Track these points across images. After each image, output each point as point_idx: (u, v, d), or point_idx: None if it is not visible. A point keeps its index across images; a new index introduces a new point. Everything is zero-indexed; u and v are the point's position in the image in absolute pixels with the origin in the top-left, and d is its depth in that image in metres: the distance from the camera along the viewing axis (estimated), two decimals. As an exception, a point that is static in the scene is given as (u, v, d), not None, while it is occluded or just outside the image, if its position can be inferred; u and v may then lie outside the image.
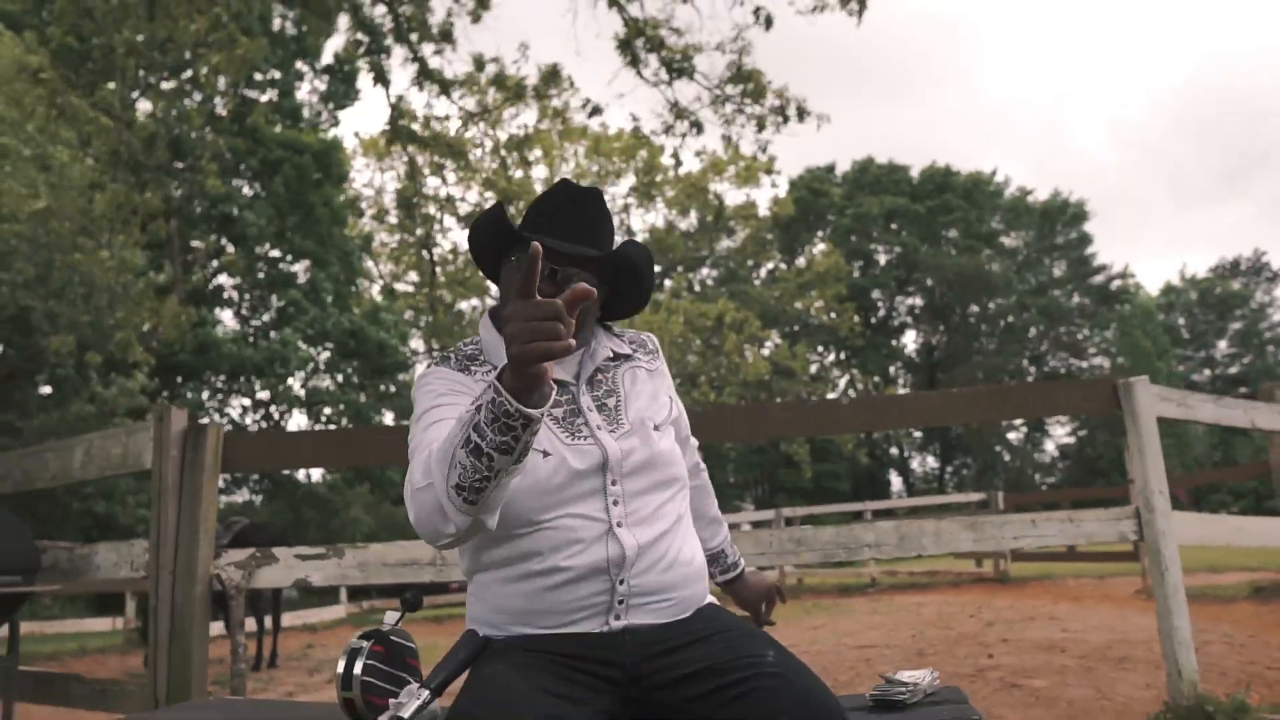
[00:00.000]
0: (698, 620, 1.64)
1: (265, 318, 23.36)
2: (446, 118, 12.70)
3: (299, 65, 23.25)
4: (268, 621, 8.53)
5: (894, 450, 41.29)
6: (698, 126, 9.54)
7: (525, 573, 1.60)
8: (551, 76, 11.12)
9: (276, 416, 23.15)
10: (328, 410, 22.95)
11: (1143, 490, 3.51)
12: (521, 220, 1.73)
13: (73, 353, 12.16)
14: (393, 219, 27.97)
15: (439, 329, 28.10)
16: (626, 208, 28.78)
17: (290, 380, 22.66)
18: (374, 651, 1.66)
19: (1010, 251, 43.97)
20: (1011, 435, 40.68)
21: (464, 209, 22.61)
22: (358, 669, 1.63)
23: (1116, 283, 43.67)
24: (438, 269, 25.65)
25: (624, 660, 1.55)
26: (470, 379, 1.68)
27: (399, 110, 11.00)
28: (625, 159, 27.14)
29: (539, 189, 25.25)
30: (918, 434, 39.58)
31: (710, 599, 1.75)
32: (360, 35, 10.21)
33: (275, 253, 23.09)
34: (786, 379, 29.29)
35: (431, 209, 21.72)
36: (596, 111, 10.57)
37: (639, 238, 29.92)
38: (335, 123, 25.18)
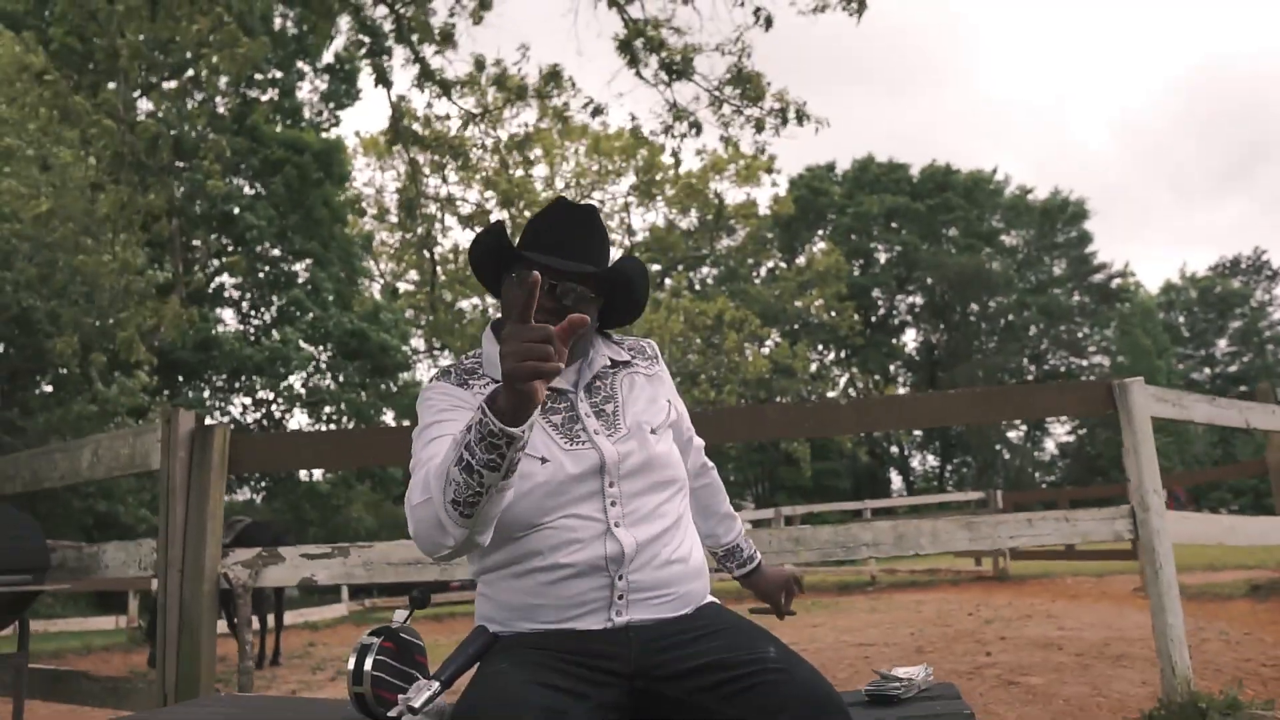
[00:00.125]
0: (700, 618, 1.70)
1: (266, 317, 23.41)
2: (447, 117, 12.69)
3: (300, 65, 23.28)
4: (270, 620, 8.59)
5: (894, 449, 41.36)
6: (697, 127, 9.58)
7: (528, 570, 1.66)
8: (552, 77, 11.16)
9: (278, 415, 23.20)
10: (328, 409, 22.99)
11: (1137, 489, 3.55)
12: (520, 238, 1.79)
13: (76, 353, 12.21)
14: (393, 218, 27.99)
15: (440, 328, 28.12)
16: (626, 206, 28.78)
17: (291, 379, 22.71)
18: (384, 648, 1.72)
19: (1010, 250, 44.02)
20: (1011, 434, 40.75)
21: (465, 209, 22.63)
22: (368, 665, 1.69)
23: (1116, 281, 43.72)
24: (438, 268, 25.66)
25: (627, 655, 1.60)
26: (468, 393, 1.75)
27: (400, 111, 11.04)
28: (625, 158, 27.14)
29: (539, 188, 25.28)
30: (918, 433, 39.61)
31: (711, 598, 1.80)
32: (362, 36, 10.24)
33: (276, 252, 23.13)
34: (787, 378, 29.31)
35: (432, 208, 21.75)
36: (598, 112, 10.62)
37: (639, 236, 29.94)
38: (336, 122, 25.22)
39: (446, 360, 30.72)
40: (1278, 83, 78.74)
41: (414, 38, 10.34)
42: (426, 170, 16.71)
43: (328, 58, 23.08)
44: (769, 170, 25.03)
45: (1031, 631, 6.62)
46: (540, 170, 26.23)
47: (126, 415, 14.78)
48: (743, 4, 8.65)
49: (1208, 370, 47.48)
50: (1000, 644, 6.09)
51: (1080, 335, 43.10)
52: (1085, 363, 42.97)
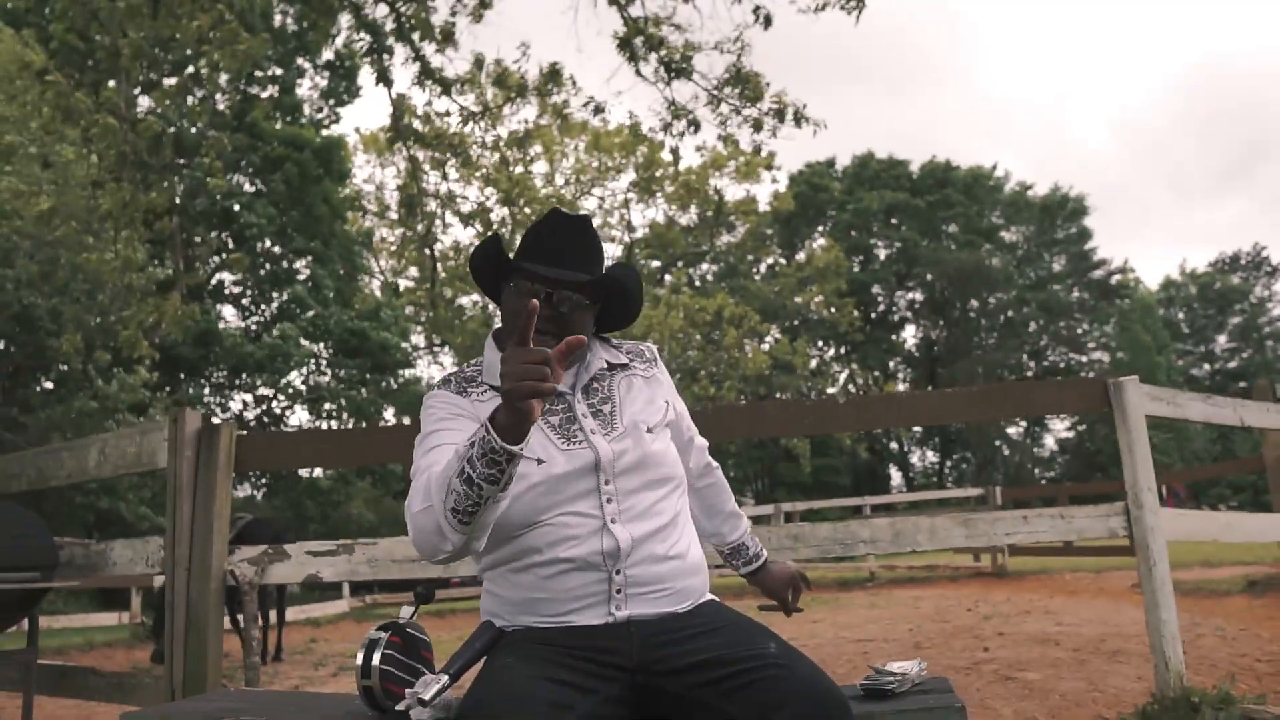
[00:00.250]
0: (700, 615, 1.74)
1: (267, 314, 23.44)
2: (447, 114, 12.71)
3: (300, 61, 23.29)
4: (272, 616, 8.62)
5: (894, 445, 41.39)
6: (695, 125, 9.60)
7: (528, 565, 1.72)
8: (552, 75, 11.17)
9: (278, 412, 23.23)
10: (329, 406, 23.02)
11: (1131, 487, 3.59)
12: (517, 248, 1.85)
13: (80, 351, 12.25)
14: (394, 215, 28.01)
15: (439, 324, 28.15)
16: (626, 203, 28.81)
17: (291, 376, 22.73)
18: (391, 643, 1.77)
19: (1010, 246, 44.04)
20: (1011, 430, 40.80)
21: (465, 207, 22.68)
22: (376, 659, 1.74)
23: (1116, 278, 43.74)
24: (438, 265, 25.68)
25: (629, 650, 1.65)
26: (467, 400, 1.82)
27: (401, 109, 11.06)
28: (625, 155, 27.16)
29: (539, 184, 25.31)
30: (918, 429, 39.65)
31: (711, 596, 1.84)
32: (363, 35, 10.26)
33: (276, 249, 23.15)
34: (786, 374, 29.35)
35: (432, 205, 21.78)
36: (599, 110, 10.65)
37: (639, 233, 29.98)
38: (336, 119, 25.23)
39: (447, 357, 30.76)
40: (1277, 80, 78.74)
41: (414, 36, 10.36)
42: (426, 167, 16.74)
43: (328, 55, 23.09)
44: (769, 167, 25.05)
45: (1029, 627, 6.66)
46: (540, 167, 26.26)
47: (127, 412, 14.82)
48: (741, 2, 8.69)
49: (1207, 366, 47.54)
50: (998, 640, 6.13)
51: (1080, 331, 43.15)
52: (1085, 359, 43.03)
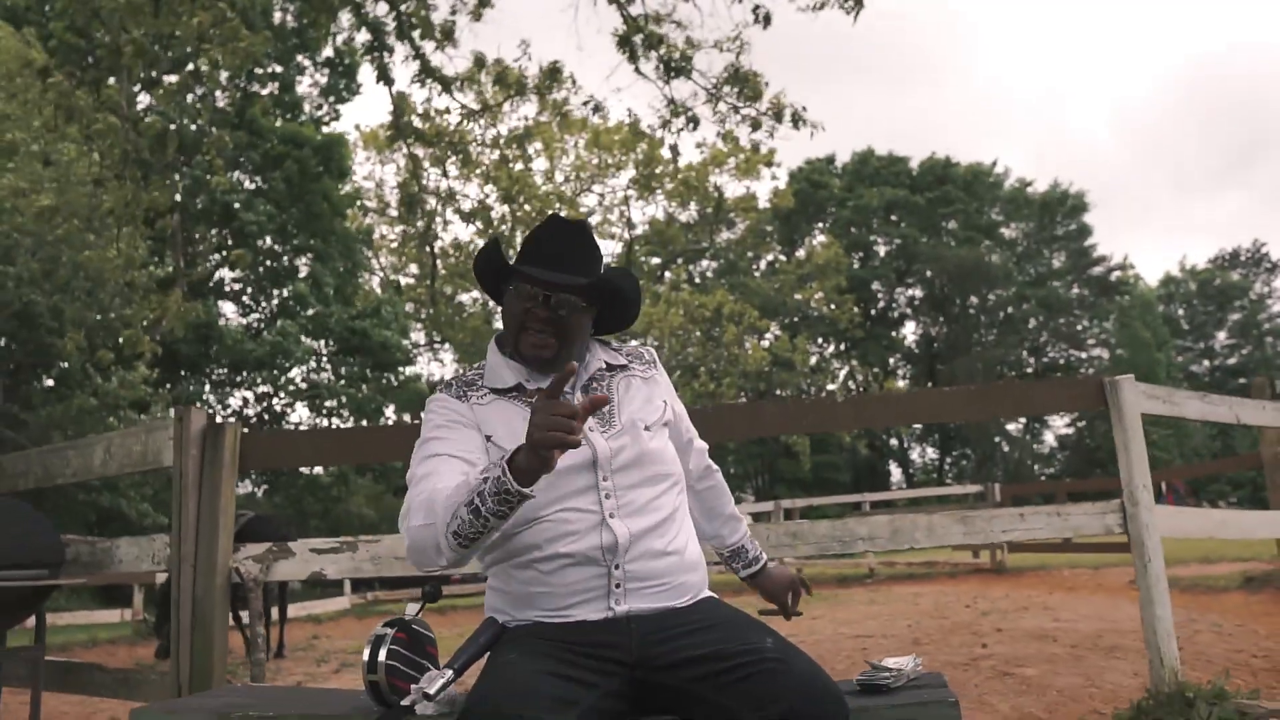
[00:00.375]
0: (698, 611, 1.78)
1: (267, 311, 23.45)
2: (447, 111, 12.72)
3: (299, 59, 23.28)
4: (274, 613, 8.65)
5: (894, 442, 41.43)
6: (694, 122, 9.62)
7: (529, 561, 1.76)
8: (552, 73, 11.20)
9: (279, 409, 23.25)
10: (329, 403, 23.04)
11: (1127, 485, 3.63)
12: (518, 252, 1.90)
13: (83, 350, 12.27)
14: (394, 212, 28.01)
15: (439, 321, 28.16)
16: (626, 200, 28.80)
17: (293, 372, 22.75)
18: (397, 639, 1.81)
19: (1010, 243, 44.04)
20: (1011, 426, 40.82)
21: (466, 204, 22.68)
22: (382, 655, 1.78)
23: (1116, 274, 43.74)
24: (438, 262, 25.69)
25: (628, 645, 1.69)
26: (466, 405, 1.87)
27: (401, 108, 11.09)
28: (625, 152, 27.15)
29: (539, 181, 25.30)
30: (917, 426, 39.66)
31: (709, 592, 1.88)
32: (364, 33, 10.28)
33: (277, 246, 23.16)
34: (786, 370, 29.37)
35: (432, 203, 21.79)
36: (598, 109, 10.68)
37: (639, 230, 29.98)
38: (336, 116, 25.24)
39: (447, 354, 30.79)
40: (1276, 75, 78.70)
41: (415, 34, 10.38)
42: (427, 164, 16.75)
43: (327, 52, 23.08)
44: (769, 164, 25.09)
45: (1027, 623, 6.69)
46: (540, 164, 26.24)
47: (129, 408, 14.85)
48: (741, 1, 8.71)
49: (1207, 363, 47.56)
50: (996, 636, 6.16)
51: (1079, 328, 43.16)
52: (1084, 355, 43.06)
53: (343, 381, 23.21)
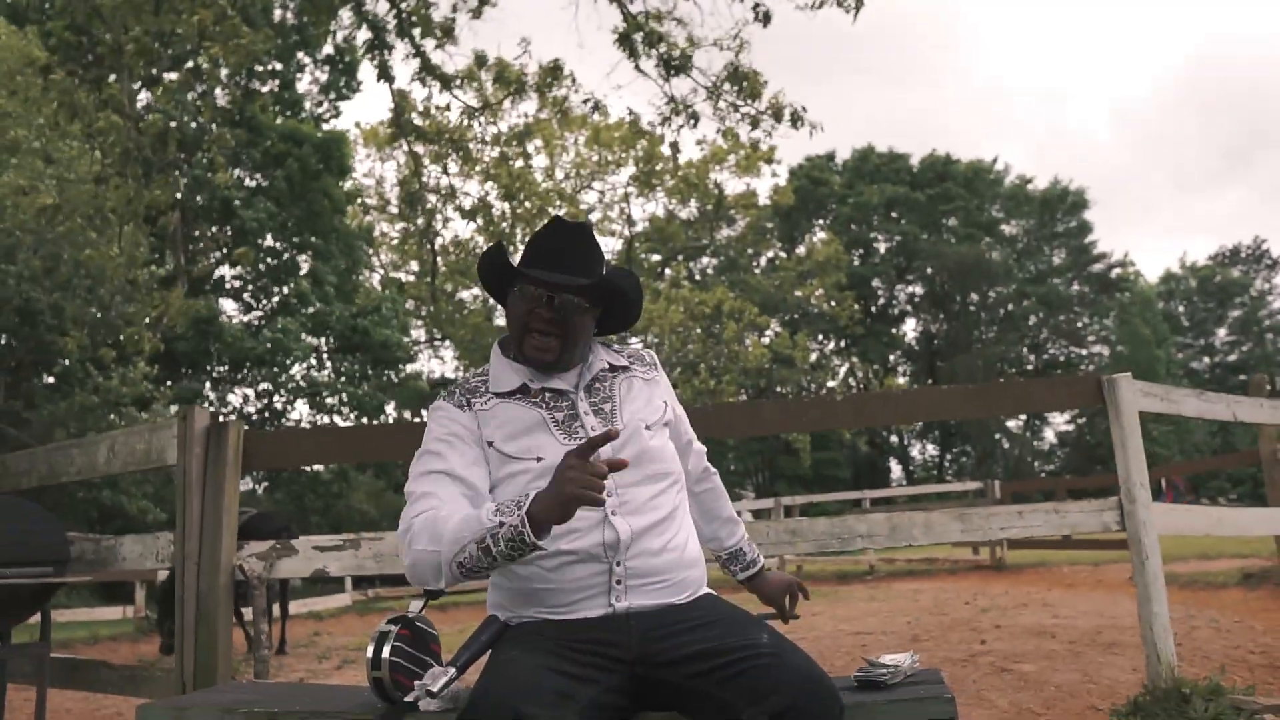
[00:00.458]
0: (697, 608, 1.81)
1: (268, 308, 23.47)
2: (447, 107, 12.73)
3: (300, 56, 23.29)
4: (275, 609, 8.69)
5: (894, 438, 41.45)
6: (694, 119, 9.63)
7: (532, 558, 1.76)
8: (552, 71, 11.20)
9: (279, 407, 23.27)
10: (330, 400, 23.06)
11: (1125, 482, 3.65)
12: (521, 255, 1.94)
13: (86, 348, 12.30)
14: (394, 209, 28.03)
15: (440, 318, 28.18)
16: (626, 197, 28.81)
17: (293, 370, 22.77)
18: (401, 635, 1.84)
19: (1010, 240, 44.03)
20: (1011, 423, 40.83)
21: (466, 202, 22.67)
22: (386, 651, 1.81)
23: (1116, 271, 43.73)
24: (439, 259, 25.71)
25: (628, 642, 1.72)
26: (470, 413, 1.90)
27: (402, 106, 11.10)
28: (625, 149, 27.17)
29: (539, 179, 25.30)
30: (917, 423, 39.65)
31: (709, 590, 1.91)
32: (364, 31, 10.29)
33: (277, 244, 23.17)
34: (786, 367, 29.40)
35: (432, 199, 21.80)
36: (598, 108, 10.69)
37: (639, 227, 30.00)
38: (336, 114, 25.25)
39: (448, 351, 30.80)
40: (1277, 69, 78.64)
41: (415, 32, 10.39)
42: (427, 161, 16.76)
43: (328, 49, 23.08)
44: (769, 161, 25.10)
45: (1026, 620, 6.72)
46: (540, 161, 26.25)
47: (130, 405, 14.88)
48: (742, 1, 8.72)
49: (1207, 359, 47.56)
50: (995, 632, 6.19)
51: (1080, 325, 43.17)
52: (1085, 352, 43.06)
53: (343, 379, 23.22)
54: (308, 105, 24.23)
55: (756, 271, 37.96)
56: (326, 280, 22.49)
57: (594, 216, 28.37)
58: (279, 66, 22.21)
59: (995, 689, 4.34)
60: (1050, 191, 43.60)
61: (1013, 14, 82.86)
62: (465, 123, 12.45)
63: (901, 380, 40.19)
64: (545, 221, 2.02)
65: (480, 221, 22.26)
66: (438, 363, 31.65)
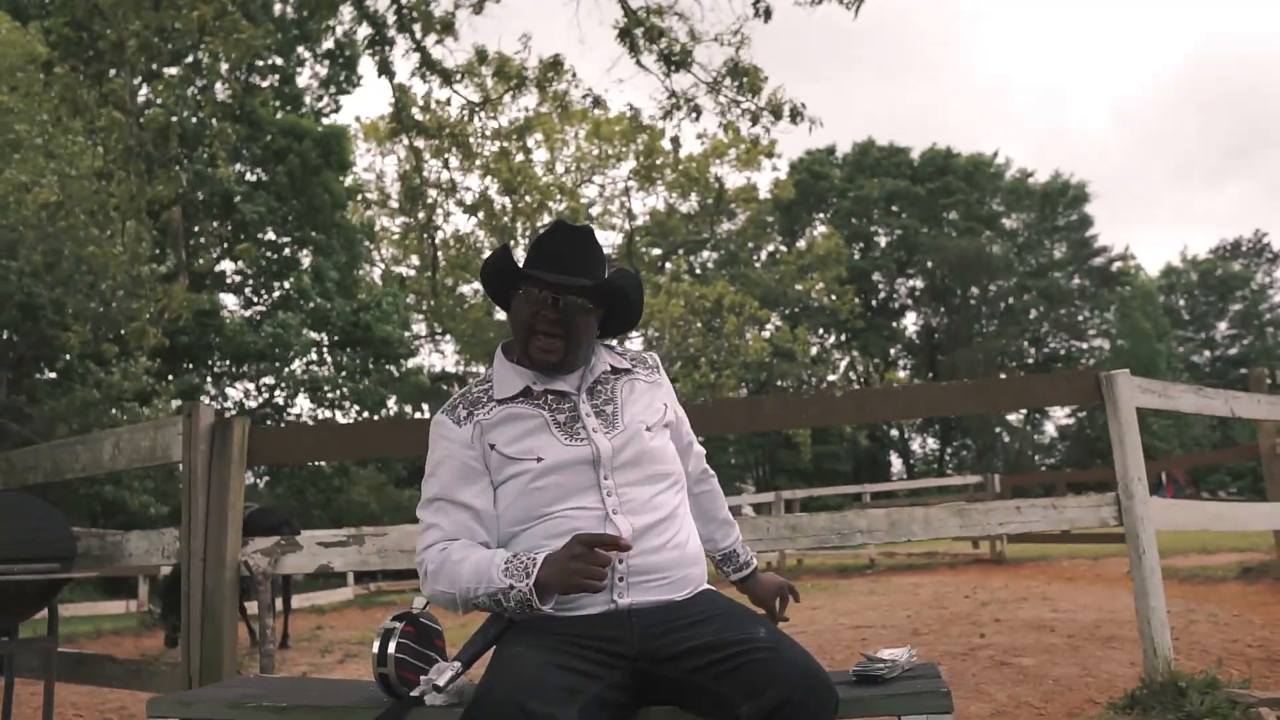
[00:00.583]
0: (697, 604, 1.85)
1: (269, 302, 23.47)
2: (448, 102, 12.74)
3: (300, 50, 23.25)
4: (278, 603, 8.72)
5: (894, 432, 41.48)
6: (696, 111, 9.64)
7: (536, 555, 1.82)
8: (553, 66, 11.21)
9: (280, 401, 23.29)
10: (331, 395, 23.07)
11: (1122, 478, 3.68)
12: (524, 258, 1.96)
13: (89, 343, 12.32)
14: (394, 204, 28.04)
15: (440, 313, 28.21)
16: (627, 191, 28.81)
17: (294, 365, 22.78)
18: (406, 632, 1.87)
19: (1011, 233, 44.04)
20: (1011, 417, 40.86)
21: (467, 198, 22.67)
22: (391, 648, 1.85)
23: (1117, 264, 43.74)
24: (439, 254, 25.72)
25: (630, 639, 1.75)
26: (467, 429, 1.93)
27: (402, 101, 11.10)
28: (625, 142, 27.16)
29: (540, 173, 25.29)
30: (917, 418, 39.67)
31: (708, 585, 1.94)
32: (364, 27, 10.29)
33: (278, 239, 23.17)
34: (787, 361, 29.42)
35: (433, 194, 21.80)
36: (598, 103, 10.70)
37: (639, 221, 29.99)
38: (336, 108, 25.22)
39: (449, 345, 30.81)
40: (1277, 68, 78.51)
41: (415, 27, 10.39)
42: (427, 155, 16.76)
43: (328, 44, 23.04)
44: (769, 154, 25.05)
45: (1026, 614, 6.75)
46: (541, 155, 26.24)
47: (131, 400, 14.90)
48: (742, -5, 8.74)
49: (1208, 353, 47.57)
50: (994, 626, 6.22)
51: (1080, 319, 43.18)
52: (1085, 346, 43.08)
53: (344, 374, 23.24)
54: (308, 100, 24.21)
55: (757, 265, 37.97)
56: (328, 276, 22.49)
57: (594, 210, 28.36)
58: (279, 61, 22.18)
59: (994, 682, 4.37)
60: (1051, 185, 43.58)
61: (1014, 10, 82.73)
62: (465, 117, 12.46)
63: (902, 374, 40.22)
64: (547, 226, 2.04)
65: (481, 216, 22.25)
66: (438, 357, 31.68)
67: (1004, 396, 4.44)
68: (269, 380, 22.79)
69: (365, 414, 23.21)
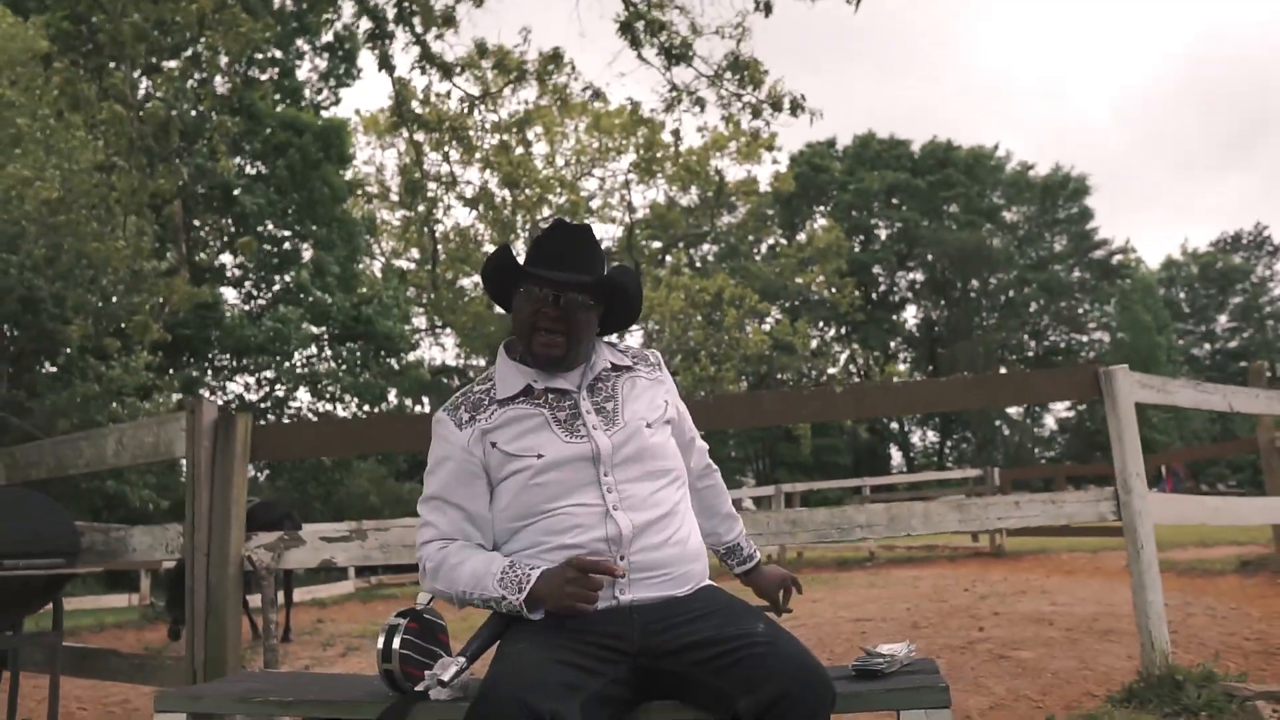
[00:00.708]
0: (697, 599, 1.87)
1: (269, 295, 23.46)
2: (448, 94, 12.74)
3: (299, 43, 23.21)
4: (280, 597, 8.74)
5: (894, 425, 41.49)
6: (700, 103, 9.64)
7: (539, 552, 1.86)
8: (553, 59, 11.21)
9: (281, 395, 23.30)
10: (332, 389, 23.07)
11: (1121, 473, 3.70)
12: (525, 257, 1.99)
13: (90, 337, 12.32)
14: (394, 197, 28.04)
15: (440, 306, 28.22)
16: (627, 184, 28.80)
17: (294, 358, 22.77)
18: (410, 628, 1.90)
19: (1011, 226, 44.01)
20: (1011, 410, 40.90)
21: (467, 191, 22.67)
22: (396, 643, 1.87)
23: (1117, 257, 43.72)
24: (439, 247, 25.74)
25: (631, 635, 1.78)
26: (467, 432, 1.96)
27: (403, 96, 11.10)
28: (625, 135, 27.14)
29: (540, 165, 25.29)
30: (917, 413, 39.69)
31: (709, 581, 1.96)
32: (365, 21, 10.29)
33: (278, 233, 23.15)
34: (787, 354, 29.43)
35: (433, 187, 21.81)
36: (598, 95, 10.71)
37: (639, 214, 30.00)
38: (336, 100, 25.19)
39: (449, 338, 30.84)
40: (1278, 58, 78.34)
41: (415, 20, 10.39)
42: (427, 149, 16.76)
43: (327, 37, 22.99)
44: (770, 148, 25.04)
45: (1025, 607, 6.77)
46: (540, 148, 26.22)
47: (131, 394, 14.90)
48: (743, -10, 8.73)
49: (1208, 346, 47.59)
50: (993, 619, 6.24)
51: (1080, 311, 43.19)
52: (1085, 339, 43.09)
53: (344, 367, 23.24)
54: (307, 93, 24.16)
55: (757, 258, 37.96)
56: (328, 270, 22.47)
57: (594, 203, 28.35)
58: (278, 54, 22.13)
59: (993, 676, 4.39)
60: (1051, 178, 43.54)
61: (1014, 3, 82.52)
62: (465, 110, 12.45)
63: (902, 367, 40.21)
64: (546, 225, 2.07)
65: (481, 209, 22.24)
66: (439, 351, 31.71)
67: (1003, 391, 4.46)
68: (269, 374, 22.78)
69: (365, 408, 23.23)
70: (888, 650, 1.94)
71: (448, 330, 30.07)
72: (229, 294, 23.43)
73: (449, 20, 10.29)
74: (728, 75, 9.12)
